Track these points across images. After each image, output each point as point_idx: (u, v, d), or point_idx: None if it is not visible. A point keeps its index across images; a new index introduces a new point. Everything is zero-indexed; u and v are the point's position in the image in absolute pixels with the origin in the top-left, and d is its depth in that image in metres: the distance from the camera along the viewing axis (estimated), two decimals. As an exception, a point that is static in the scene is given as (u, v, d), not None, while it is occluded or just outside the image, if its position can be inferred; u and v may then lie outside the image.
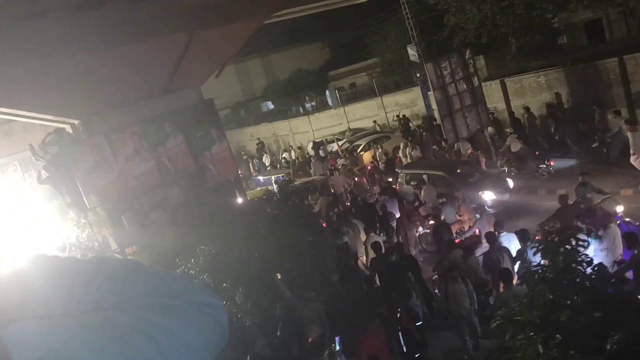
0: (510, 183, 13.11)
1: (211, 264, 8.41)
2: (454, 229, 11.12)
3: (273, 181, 18.87)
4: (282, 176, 18.96)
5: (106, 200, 10.57)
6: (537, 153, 14.81)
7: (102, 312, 0.73)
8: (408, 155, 17.73)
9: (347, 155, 21.30)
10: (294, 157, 25.99)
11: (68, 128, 11.18)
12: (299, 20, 32.17)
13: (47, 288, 0.74)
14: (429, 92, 21.32)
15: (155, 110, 11.21)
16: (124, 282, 0.79)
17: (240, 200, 11.95)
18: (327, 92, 32.58)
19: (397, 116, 23.24)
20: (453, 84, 15.84)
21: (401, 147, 18.29)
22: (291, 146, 29.00)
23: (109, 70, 10.67)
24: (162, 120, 11.27)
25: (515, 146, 14.75)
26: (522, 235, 8.06)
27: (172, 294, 0.80)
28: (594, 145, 13.81)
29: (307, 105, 34.10)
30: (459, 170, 13.64)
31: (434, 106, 21.42)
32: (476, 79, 16.38)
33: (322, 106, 31.46)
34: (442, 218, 11.08)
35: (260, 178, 19.38)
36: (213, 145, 11.84)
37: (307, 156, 25.86)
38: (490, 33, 17.81)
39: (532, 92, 17.32)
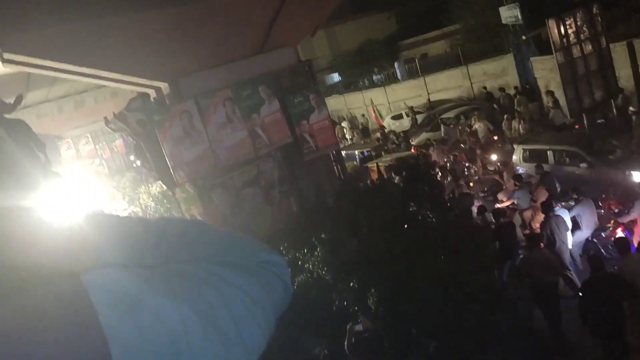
0: (663, 161, 10.84)
1: (331, 256, 6.90)
2: (527, 215, 9.89)
3: (357, 157, 17.25)
4: (368, 151, 17.30)
5: (195, 175, 9.24)
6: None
7: (172, 265, 0.74)
8: (514, 129, 15.60)
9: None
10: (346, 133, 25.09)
11: (152, 93, 9.88)
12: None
13: (121, 241, 0.76)
14: (531, 59, 18.91)
15: (248, 72, 9.73)
16: (192, 241, 0.82)
17: (343, 177, 10.38)
18: (397, 64, 30.59)
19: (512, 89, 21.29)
20: (578, 45, 13.51)
21: (505, 120, 16.13)
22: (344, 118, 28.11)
23: (198, 27, 9.22)
24: (256, 84, 9.77)
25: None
26: None
27: (237, 252, 0.83)
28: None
29: (376, 78, 32.19)
30: (595, 146, 11.47)
31: (537, 74, 19.03)
32: (604, 39, 13.95)
33: (393, 78, 29.49)
34: (513, 203, 10.47)
35: (343, 153, 17.73)
36: (312, 113, 10.26)
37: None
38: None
39: (668, 55, 14.68)
